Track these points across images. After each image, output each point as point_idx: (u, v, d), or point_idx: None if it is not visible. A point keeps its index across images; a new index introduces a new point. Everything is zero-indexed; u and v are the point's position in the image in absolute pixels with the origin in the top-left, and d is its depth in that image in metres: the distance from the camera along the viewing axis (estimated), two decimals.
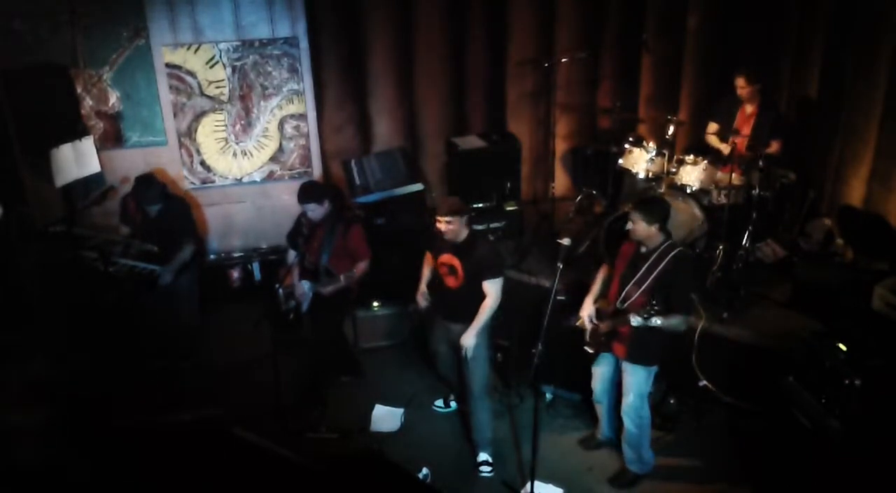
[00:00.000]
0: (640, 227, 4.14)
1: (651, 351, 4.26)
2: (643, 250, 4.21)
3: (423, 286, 4.81)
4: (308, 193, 4.95)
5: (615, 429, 4.67)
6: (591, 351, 4.46)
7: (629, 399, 4.31)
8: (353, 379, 5.58)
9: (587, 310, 4.40)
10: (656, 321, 3.97)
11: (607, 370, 4.48)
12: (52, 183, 5.60)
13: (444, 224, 4.39)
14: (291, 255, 5.23)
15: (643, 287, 4.14)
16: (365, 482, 2.95)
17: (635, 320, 4.01)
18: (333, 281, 4.89)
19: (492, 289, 4.43)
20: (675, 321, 4.08)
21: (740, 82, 5.59)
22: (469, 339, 4.45)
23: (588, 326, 4.39)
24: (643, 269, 4.16)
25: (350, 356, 5.64)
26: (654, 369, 4.32)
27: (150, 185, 5.32)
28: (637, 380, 4.28)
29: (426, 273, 4.82)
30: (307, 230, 5.08)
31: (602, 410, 4.68)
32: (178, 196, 5.80)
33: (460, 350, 4.52)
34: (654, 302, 3.97)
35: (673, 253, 4.13)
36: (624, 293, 4.22)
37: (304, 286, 4.96)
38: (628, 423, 4.37)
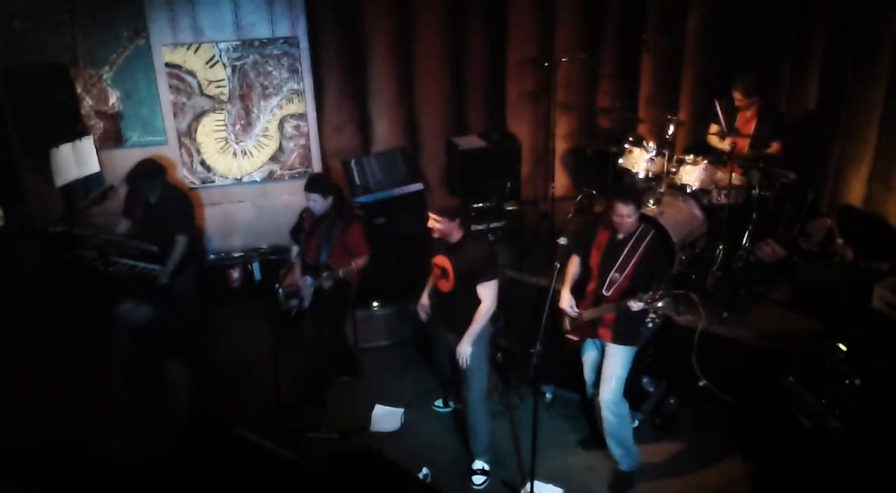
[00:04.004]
0: (634, 218, 4.19)
1: (634, 331, 4.37)
2: (619, 236, 4.29)
3: (424, 297, 4.75)
4: (316, 182, 5.03)
5: None
6: (575, 339, 4.51)
7: (611, 385, 4.32)
8: (353, 379, 5.58)
9: (566, 301, 4.43)
10: (660, 304, 3.99)
11: (595, 358, 4.54)
12: (52, 183, 5.60)
13: (432, 221, 4.34)
14: (294, 250, 5.25)
15: (626, 272, 4.22)
16: (365, 482, 2.95)
17: (636, 305, 4.03)
18: (332, 275, 4.88)
19: (486, 293, 4.32)
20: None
21: (737, 96, 5.63)
22: (464, 347, 4.35)
23: (571, 314, 4.41)
24: (623, 254, 4.24)
25: (350, 356, 5.64)
26: (635, 349, 4.39)
27: (150, 168, 5.35)
28: (620, 362, 4.32)
29: (430, 283, 4.73)
30: (308, 227, 5.10)
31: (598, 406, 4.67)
32: (179, 188, 5.81)
33: (456, 357, 4.42)
34: (658, 287, 3.99)
35: (650, 236, 4.25)
36: (608, 280, 4.28)
37: (307, 282, 4.98)
38: (607, 413, 4.35)
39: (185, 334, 5.51)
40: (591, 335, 4.45)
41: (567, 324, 4.51)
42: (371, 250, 5.02)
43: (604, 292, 4.29)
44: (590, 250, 4.41)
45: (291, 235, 5.30)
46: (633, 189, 4.45)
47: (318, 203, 4.94)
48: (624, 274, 4.23)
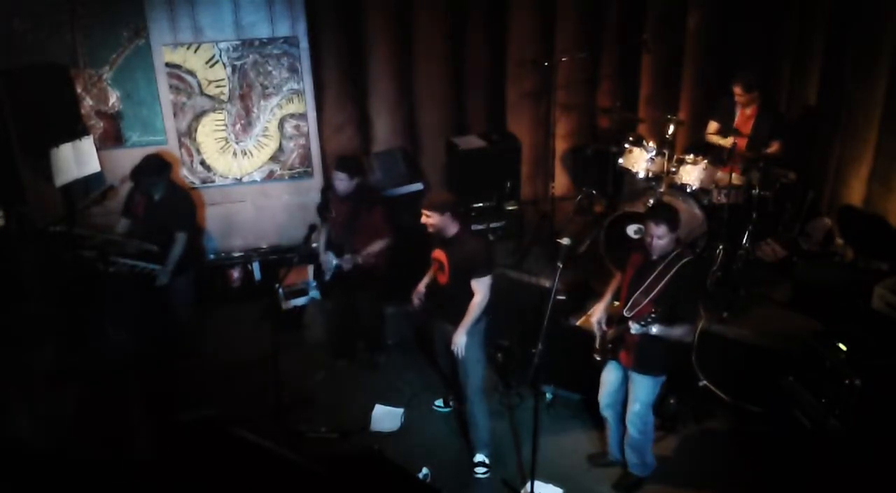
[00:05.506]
0: (667, 239, 4.02)
1: (656, 361, 4.18)
2: (653, 258, 4.11)
3: (420, 286, 4.81)
4: (344, 162, 5.23)
5: (622, 447, 4.56)
6: (598, 358, 4.39)
7: (635, 407, 4.25)
8: (345, 365, 5.66)
9: (597, 316, 4.34)
10: (654, 329, 3.91)
11: (614, 380, 4.38)
12: (52, 183, 5.61)
13: (424, 217, 4.41)
14: (324, 229, 5.41)
15: (651, 296, 4.04)
16: (365, 482, 2.95)
17: (634, 327, 3.95)
18: (352, 259, 5.14)
19: (479, 287, 4.39)
20: (679, 331, 4.01)
21: (737, 91, 5.59)
22: (458, 337, 4.41)
23: (597, 332, 4.34)
24: (651, 277, 4.06)
25: (354, 342, 5.72)
26: (661, 379, 4.25)
27: (156, 164, 5.38)
28: (643, 390, 4.22)
29: (429, 274, 4.79)
30: (334, 206, 5.29)
31: (609, 427, 4.57)
32: (183, 187, 5.82)
33: (452, 347, 4.47)
34: (653, 310, 3.91)
35: (682, 262, 4.04)
36: (632, 301, 4.14)
37: (329, 258, 5.20)
38: (633, 430, 4.32)
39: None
40: (613, 357, 4.32)
41: (596, 342, 4.38)
42: (393, 233, 5.21)
43: (626, 312, 4.16)
44: (626, 268, 4.30)
45: (318, 212, 5.58)
46: (667, 209, 4.16)
47: (344, 183, 5.10)
48: (649, 297, 4.04)
